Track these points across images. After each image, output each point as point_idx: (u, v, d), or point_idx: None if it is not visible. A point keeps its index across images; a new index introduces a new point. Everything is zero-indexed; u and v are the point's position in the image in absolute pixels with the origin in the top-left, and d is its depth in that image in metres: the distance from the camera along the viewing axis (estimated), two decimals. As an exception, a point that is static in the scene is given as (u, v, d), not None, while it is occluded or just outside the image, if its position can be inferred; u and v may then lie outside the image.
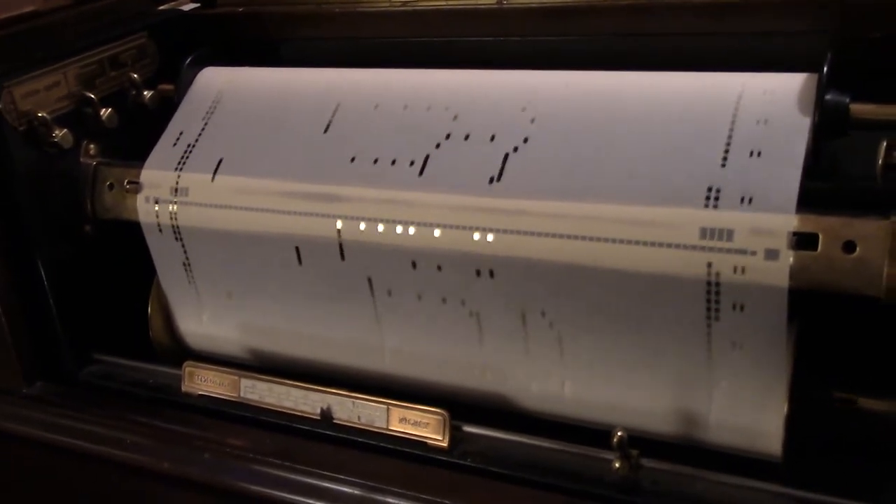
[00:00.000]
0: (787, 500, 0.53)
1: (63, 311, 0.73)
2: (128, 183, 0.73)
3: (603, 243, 0.56)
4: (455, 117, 0.64)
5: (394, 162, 0.64)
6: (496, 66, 0.68)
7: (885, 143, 0.52)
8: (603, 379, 0.60)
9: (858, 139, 0.56)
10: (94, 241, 0.76)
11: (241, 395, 0.67)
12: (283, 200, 0.66)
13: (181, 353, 0.77)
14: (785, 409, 0.55)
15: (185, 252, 0.72)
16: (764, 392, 0.55)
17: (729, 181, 0.54)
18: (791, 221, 0.52)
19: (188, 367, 0.69)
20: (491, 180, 0.60)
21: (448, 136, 0.63)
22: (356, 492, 0.59)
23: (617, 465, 0.54)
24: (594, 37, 0.69)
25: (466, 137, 0.63)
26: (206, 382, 0.68)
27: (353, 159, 0.65)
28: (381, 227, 0.62)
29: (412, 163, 0.63)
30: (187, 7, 0.85)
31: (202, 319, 0.75)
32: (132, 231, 0.73)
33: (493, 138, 0.62)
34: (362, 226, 0.63)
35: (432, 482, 0.58)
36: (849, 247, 0.51)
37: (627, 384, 0.60)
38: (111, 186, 0.74)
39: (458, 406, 0.62)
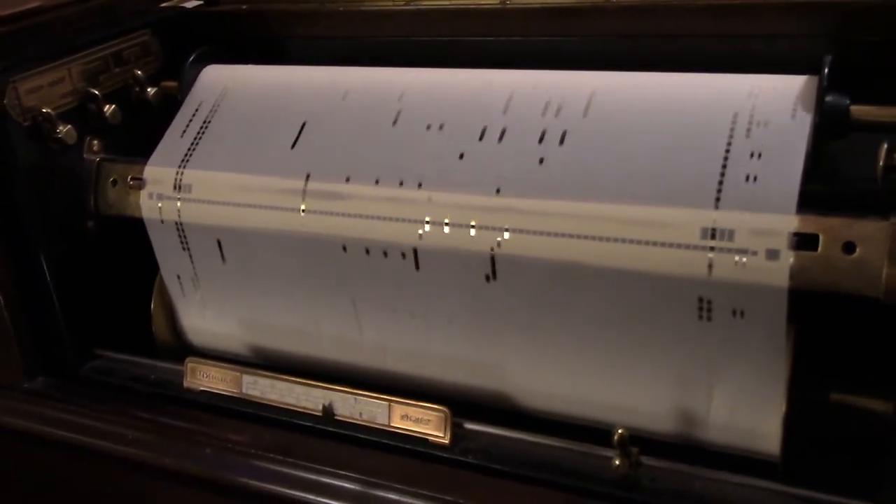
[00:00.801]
0: (785, 499, 0.54)
1: (65, 307, 0.73)
2: (131, 179, 0.73)
3: (603, 243, 0.56)
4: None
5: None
6: (499, 65, 0.68)
7: (885, 145, 0.52)
8: (603, 378, 0.61)
9: (859, 141, 0.56)
10: (97, 237, 0.76)
11: (243, 391, 0.67)
12: (285, 198, 0.66)
13: (183, 349, 0.77)
14: (784, 409, 0.55)
15: (188, 248, 0.72)
16: (763, 392, 0.56)
17: (730, 182, 0.54)
18: (792, 222, 0.52)
19: (190, 363, 0.69)
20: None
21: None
22: (357, 488, 0.59)
23: (617, 462, 0.54)
24: (597, 37, 0.69)
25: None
26: (207, 378, 0.69)
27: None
28: (383, 224, 0.63)
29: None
30: (190, 5, 0.85)
31: (204, 316, 0.75)
32: (135, 227, 0.73)
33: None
34: (365, 222, 0.63)
35: (433, 479, 0.58)
36: (849, 247, 0.51)
37: (627, 383, 0.60)
38: (114, 183, 0.74)
39: (460, 403, 0.62)
